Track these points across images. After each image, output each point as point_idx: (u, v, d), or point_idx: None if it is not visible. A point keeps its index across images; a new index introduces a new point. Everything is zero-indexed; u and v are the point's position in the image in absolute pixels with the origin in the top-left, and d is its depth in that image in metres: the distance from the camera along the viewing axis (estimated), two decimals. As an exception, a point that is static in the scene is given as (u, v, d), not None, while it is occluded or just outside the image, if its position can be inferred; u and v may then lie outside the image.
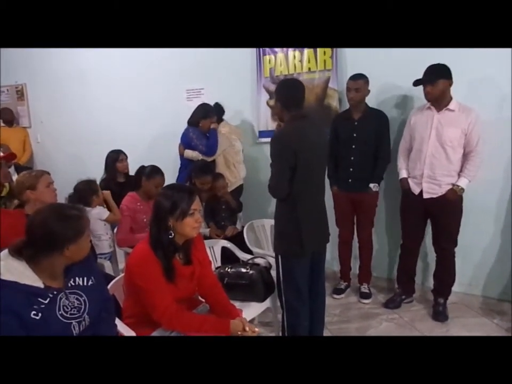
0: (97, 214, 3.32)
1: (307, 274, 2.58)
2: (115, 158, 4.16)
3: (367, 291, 3.77)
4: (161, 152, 4.98)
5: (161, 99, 5.23)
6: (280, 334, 2.78)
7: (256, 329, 2.10)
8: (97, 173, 4.08)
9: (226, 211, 3.89)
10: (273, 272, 2.77)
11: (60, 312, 1.67)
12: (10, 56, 6.34)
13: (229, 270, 2.80)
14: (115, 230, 3.51)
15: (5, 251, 1.64)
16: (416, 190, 3.30)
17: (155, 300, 1.98)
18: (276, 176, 2.43)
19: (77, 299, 1.75)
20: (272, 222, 2.71)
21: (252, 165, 4.59)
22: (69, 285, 1.75)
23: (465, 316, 3.39)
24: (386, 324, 3.32)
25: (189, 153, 4.16)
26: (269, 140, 2.51)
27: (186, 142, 4.19)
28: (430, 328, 3.21)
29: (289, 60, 4.23)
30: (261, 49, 4.39)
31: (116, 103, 5.67)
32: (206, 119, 4.12)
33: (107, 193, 3.47)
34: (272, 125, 4.44)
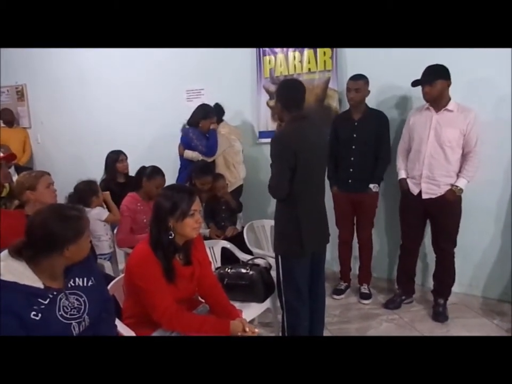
0: (97, 214, 3.32)
1: (307, 275, 2.58)
2: (115, 159, 4.16)
3: (367, 292, 3.77)
4: (161, 152, 4.98)
5: (161, 99, 5.23)
6: (280, 335, 2.78)
7: (256, 330, 2.10)
8: (97, 173, 4.08)
9: (226, 211, 3.88)
10: (273, 273, 2.77)
11: (60, 313, 1.67)
12: (11, 57, 6.35)
13: (229, 270, 2.80)
14: (115, 230, 3.51)
15: (5, 251, 1.64)
16: (415, 191, 3.30)
17: (155, 300, 1.98)
18: (276, 176, 2.43)
19: (77, 300, 1.75)
20: (272, 222, 2.71)
21: (252, 165, 4.59)
22: (69, 285, 1.75)
23: (465, 316, 3.38)
24: (386, 325, 3.32)
25: (189, 153, 4.16)
26: (269, 140, 2.51)
27: (186, 143, 4.19)
28: (430, 329, 3.21)
29: (289, 61, 4.24)
30: (261, 49, 4.39)
31: (116, 104, 5.68)
32: (205, 119, 4.12)
33: (106, 194, 3.47)
34: (272, 126, 4.44)
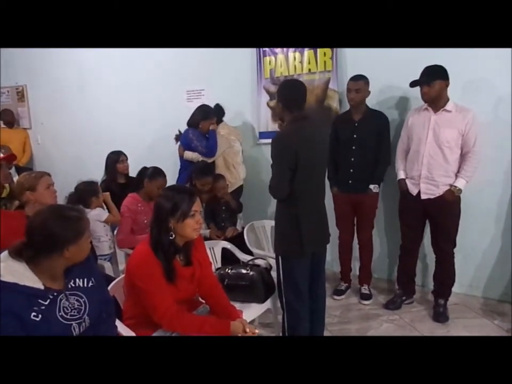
0: (97, 215, 3.32)
1: (307, 275, 2.58)
2: (115, 159, 4.16)
3: (368, 292, 3.77)
4: (161, 153, 4.99)
5: (161, 100, 5.23)
6: (281, 335, 2.78)
7: (256, 331, 2.10)
8: (97, 173, 4.09)
9: (227, 212, 3.88)
10: (273, 273, 2.77)
11: (60, 314, 1.66)
12: (11, 58, 6.35)
13: (229, 271, 2.80)
14: (115, 231, 3.51)
15: (5, 252, 1.64)
16: (414, 191, 3.30)
17: (155, 301, 1.98)
18: (277, 176, 2.43)
19: (77, 300, 1.75)
20: (272, 223, 2.71)
21: (252, 166, 4.59)
22: (69, 286, 1.75)
23: (466, 317, 3.38)
24: (386, 325, 3.31)
25: (189, 154, 4.16)
26: (269, 141, 2.51)
27: (186, 144, 4.19)
28: (430, 329, 3.21)
29: (289, 61, 4.24)
30: (261, 50, 4.39)
31: (116, 104, 5.68)
32: (205, 120, 4.12)
33: (106, 194, 3.47)
34: (272, 126, 4.45)
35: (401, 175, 3.42)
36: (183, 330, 2.01)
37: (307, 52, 4.11)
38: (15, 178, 3.29)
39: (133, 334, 2.05)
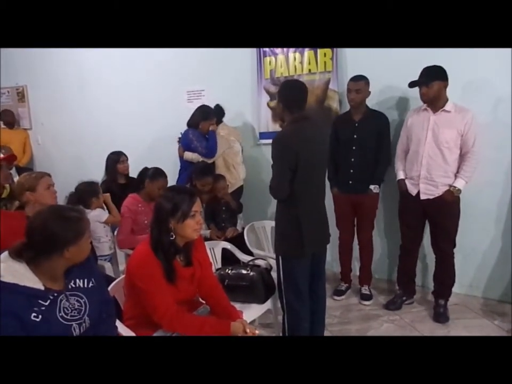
0: (96, 216, 3.32)
1: (307, 275, 2.58)
2: (116, 160, 4.16)
3: (368, 292, 3.77)
4: (162, 153, 4.99)
5: (161, 100, 5.23)
6: (281, 335, 2.78)
7: (257, 331, 2.10)
8: (97, 174, 4.09)
9: (227, 212, 3.88)
10: (273, 274, 2.77)
11: (60, 314, 1.66)
12: (11, 58, 6.35)
13: (229, 271, 2.80)
14: (115, 232, 3.51)
15: (5, 253, 1.64)
16: (413, 191, 3.30)
17: (156, 301, 1.97)
18: (277, 177, 2.43)
19: (77, 301, 1.75)
20: (272, 223, 2.71)
21: (253, 166, 4.59)
22: (70, 286, 1.75)
23: (466, 317, 3.38)
24: (387, 325, 3.31)
25: (189, 155, 4.16)
26: (269, 141, 2.51)
27: (185, 144, 4.19)
28: (430, 330, 3.20)
29: (289, 62, 4.24)
30: (261, 50, 4.39)
31: (116, 104, 5.69)
32: (205, 121, 4.13)
33: (107, 195, 3.47)
34: (272, 127, 4.45)
35: (400, 175, 3.42)
36: (183, 331, 2.01)
37: (307, 53, 4.11)
38: (16, 178, 3.29)
39: (133, 335, 2.05)
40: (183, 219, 2.01)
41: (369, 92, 3.48)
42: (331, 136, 3.55)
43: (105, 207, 3.48)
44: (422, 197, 3.24)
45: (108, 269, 3.34)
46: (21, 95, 6.79)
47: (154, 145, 5.39)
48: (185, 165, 4.25)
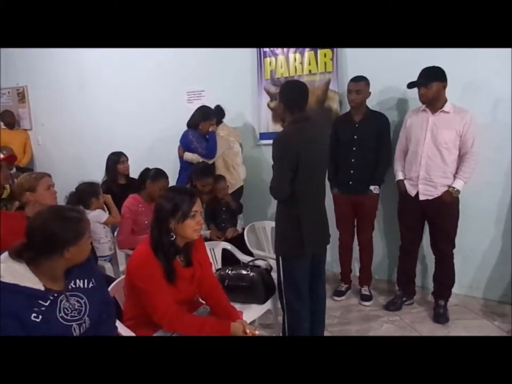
0: (96, 216, 3.31)
1: (308, 276, 2.58)
2: (116, 160, 4.16)
3: (368, 293, 3.77)
4: (162, 153, 4.99)
5: (161, 100, 5.24)
6: (281, 335, 2.77)
7: (257, 332, 2.10)
8: (97, 174, 4.09)
9: (227, 213, 3.88)
10: (274, 274, 2.77)
11: (61, 315, 1.66)
12: (12, 58, 6.36)
13: (229, 272, 2.79)
14: (115, 233, 3.51)
15: (5, 253, 1.64)
16: (412, 192, 3.30)
17: (156, 301, 1.97)
18: (278, 177, 2.43)
19: (77, 301, 1.75)
20: (272, 224, 2.71)
21: (253, 166, 4.59)
22: (70, 287, 1.75)
23: (466, 318, 3.38)
24: (387, 326, 3.31)
25: (189, 155, 4.16)
26: (269, 142, 2.51)
27: (185, 145, 4.19)
28: (430, 330, 3.20)
29: (289, 62, 4.24)
30: (261, 51, 4.39)
31: (116, 104, 5.69)
32: (205, 121, 4.13)
33: (108, 196, 3.47)
34: (273, 127, 4.45)
35: (399, 176, 3.42)
36: (183, 331, 2.01)
37: (307, 53, 4.11)
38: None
39: (133, 335, 2.05)
40: (183, 219, 2.01)
41: (370, 93, 3.48)
42: (331, 136, 3.54)
43: (105, 208, 3.48)
44: (421, 197, 3.24)
45: (108, 269, 3.34)
46: (21, 96, 6.79)
47: (155, 146, 5.39)
48: (185, 165, 4.26)
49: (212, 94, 4.79)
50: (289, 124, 2.50)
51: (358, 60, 3.83)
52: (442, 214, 3.22)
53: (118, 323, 2.04)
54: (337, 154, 3.59)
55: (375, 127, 3.51)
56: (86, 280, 1.82)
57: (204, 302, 2.34)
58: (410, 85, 3.15)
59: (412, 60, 3.30)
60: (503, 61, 3.20)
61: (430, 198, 3.21)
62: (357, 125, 3.52)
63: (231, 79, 4.65)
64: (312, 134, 2.45)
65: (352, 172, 3.56)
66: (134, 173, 3.88)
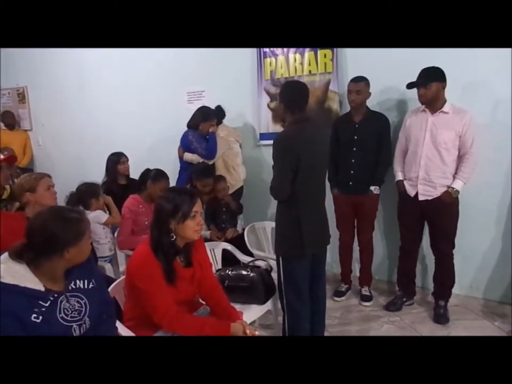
0: (95, 217, 3.31)
1: (308, 276, 2.58)
2: (116, 161, 4.16)
3: (368, 294, 3.76)
4: (161, 154, 4.99)
5: (161, 100, 5.24)
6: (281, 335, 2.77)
7: (257, 332, 2.10)
8: (97, 174, 4.09)
9: (227, 213, 3.88)
10: (274, 275, 2.77)
11: (61, 315, 1.66)
12: (12, 59, 6.36)
13: (229, 272, 2.79)
14: (115, 233, 3.51)
15: (5, 254, 1.64)
16: (411, 192, 3.30)
17: (156, 302, 1.97)
18: (278, 177, 2.43)
19: (77, 302, 1.75)
20: (273, 224, 2.71)
21: (253, 167, 4.59)
22: (70, 287, 1.75)
23: (466, 318, 3.38)
24: (387, 327, 3.31)
25: (189, 156, 4.16)
26: (269, 142, 2.51)
27: (185, 145, 4.19)
28: (431, 331, 3.20)
29: (289, 63, 4.24)
30: (261, 51, 4.39)
31: (116, 104, 5.70)
32: (205, 122, 4.13)
33: (108, 198, 3.47)
34: (273, 128, 4.45)
35: (399, 176, 3.42)
36: (183, 332, 2.01)
37: (307, 54, 4.11)
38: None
39: (133, 335, 2.04)
40: (183, 220, 2.01)
41: (370, 93, 3.48)
42: (331, 137, 3.54)
43: (106, 209, 3.48)
44: (421, 198, 3.24)
45: (108, 269, 3.34)
46: (22, 96, 6.79)
47: (155, 146, 5.39)
48: (185, 165, 4.26)
49: (211, 94, 4.79)
50: (290, 124, 2.50)
51: (358, 60, 3.83)
52: (441, 214, 3.22)
53: (118, 324, 2.04)
54: (338, 155, 3.59)
55: (375, 127, 3.50)
56: (86, 281, 1.82)
57: (204, 302, 2.34)
58: (410, 86, 3.15)
59: (412, 60, 3.30)
60: (503, 61, 3.20)
61: (430, 198, 3.21)
62: (357, 126, 3.52)
63: (231, 79, 4.65)
64: (312, 135, 2.45)
65: (352, 172, 3.56)
66: (134, 173, 3.87)
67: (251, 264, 2.98)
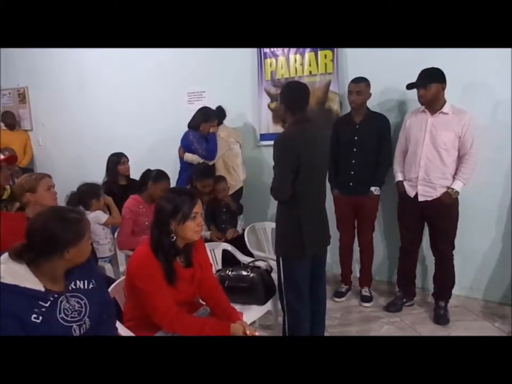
0: (95, 217, 3.30)
1: (308, 277, 2.58)
2: (116, 161, 4.17)
3: (368, 294, 3.76)
4: (162, 154, 4.99)
5: (161, 100, 5.24)
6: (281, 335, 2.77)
7: (257, 333, 2.10)
8: (97, 174, 4.09)
9: (227, 214, 3.88)
10: (274, 275, 2.77)
11: (61, 316, 1.66)
12: (12, 59, 6.36)
13: (229, 273, 2.79)
14: (115, 234, 3.51)
15: (6, 254, 1.64)
16: (411, 193, 3.30)
17: (156, 302, 1.97)
18: (279, 178, 2.43)
19: (77, 302, 1.74)
20: (273, 224, 2.71)
21: (253, 167, 4.59)
22: (70, 288, 1.74)
23: (467, 319, 3.37)
24: (387, 327, 3.30)
25: (189, 156, 4.17)
26: (270, 142, 2.51)
27: (186, 146, 4.19)
28: (431, 331, 3.20)
29: (290, 63, 4.24)
30: (262, 52, 4.39)
31: (116, 104, 5.70)
32: (206, 122, 4.13)
33: (109, 198, 3.47)
34: (273, 128, 4.45)
35: (399, 177, 3.42)
36: (183, 332, 2.01)
37: (308, 54, 4.11)
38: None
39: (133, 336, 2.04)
40: (183, 221, 2.01)
41: (370, 94, 3.48)
42: (332, 138, 3.54)
43: (106, 210, 3.48)
44: (420, 198, 3.24)
45: (108, 270, 3.34)
46: (22, 96, 6.79)
47: (155, 146, 5.39)
48: (185, 166, 4.26)
49: (212, 94, 4.79)
50: (290, 125, 2.50)
51: (358, 61, 3.83)
52: (441, 215, 3.22)
53: (118, 324, 2.04)
54: (338, 156, 3.59)
55: (375, 128, 3.50)
56: (86, 281, 1.82)
57: (204, 303, 2.34)
58: (409, 86, 3.15)
59: (412, 60, 3.30)
60: (503, 61, 3.20)
61: (429, 199, 3.21)
62: (357, 126, 3.52)
63: (231, 79, 4.65)
64: (313, 135, 2.45)
65: (352, 173, 3.56)
66: (134, 174, 3.87)
67: (251, 264, 2.98)
